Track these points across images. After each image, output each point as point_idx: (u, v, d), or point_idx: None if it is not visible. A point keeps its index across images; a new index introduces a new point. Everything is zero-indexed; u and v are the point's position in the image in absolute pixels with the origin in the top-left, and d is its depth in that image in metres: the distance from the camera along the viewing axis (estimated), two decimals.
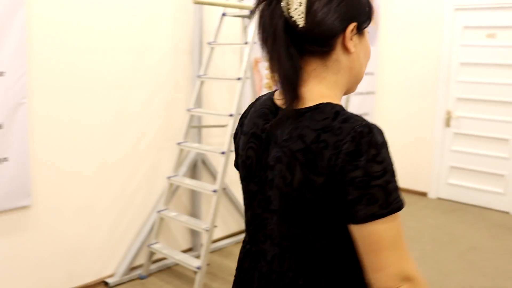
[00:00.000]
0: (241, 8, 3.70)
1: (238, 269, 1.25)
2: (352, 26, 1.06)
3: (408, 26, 5.88)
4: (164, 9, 3.70)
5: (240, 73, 3.52)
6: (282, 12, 1.02)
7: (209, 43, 3.77)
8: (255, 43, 3.98)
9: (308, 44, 1.05)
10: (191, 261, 3.43)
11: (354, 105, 5.59)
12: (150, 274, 3.72)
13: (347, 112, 1.02)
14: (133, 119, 3.60)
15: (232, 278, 2.02)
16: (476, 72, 5.46)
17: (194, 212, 4.07)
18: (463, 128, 5.62)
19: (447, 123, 5.71)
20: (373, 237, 0.97)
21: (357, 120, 0.99)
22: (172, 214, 3.63)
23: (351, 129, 0.97)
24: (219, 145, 4.05)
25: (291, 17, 1.02)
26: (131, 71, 3.55)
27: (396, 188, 0.98)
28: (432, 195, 5.90)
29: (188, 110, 3.69)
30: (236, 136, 1.26)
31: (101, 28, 3.33)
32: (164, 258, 3.81)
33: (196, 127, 3.95)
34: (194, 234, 4.10)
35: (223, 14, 3.81)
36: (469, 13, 5.47)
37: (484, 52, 5.40)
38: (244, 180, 1.19)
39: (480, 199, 5.56)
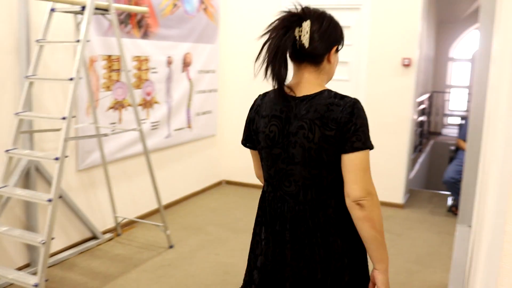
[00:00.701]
0: (72, 3, 3.46)
1: (268, 209, 1.83)
2: (334, 48, 1.76)
3: (247, 25, 6.00)
4: None
5: (73, 73, 3.29)
6: (294, 38, 1.67)
7: (38, 41, 3.47)
8: (88, 41, 3.76)
9: (308, 58, 1.72)
10: (27, 279, 3.13)
11: (197, 102, 5.57)
12: None
13: (339, 93, 1.71)
14: None
15: None
16: None
17: (30, 225, 3.74)
18: None
19: None
20: (356, 161, 1.65)
21: (348, 97, 1.69)
22: (3, 229, 3.29)
23: (347, 102, 1.67)
24: (54, 151, 3.77)
25: (301, 41, 1.67)
26: None
27: (369, 135, 1.69)
28: None
29: (17, 114, 3.37)
30: (253, 121, 1.90)
31: None
32: None
33: (26, 132, 3.62)
34: (31, 248, 3.77)
35: (52, 10, 3.53)
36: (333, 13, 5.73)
37: None
38: (267, 147, 1.80)
39: None
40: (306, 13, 1.71)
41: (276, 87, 1.70)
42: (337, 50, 1.78)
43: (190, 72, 5.43)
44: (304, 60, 1.73)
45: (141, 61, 4.68)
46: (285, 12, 1.70)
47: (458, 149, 5.71)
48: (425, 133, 10.32)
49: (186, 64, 5.34)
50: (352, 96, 1.73)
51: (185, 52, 5.30)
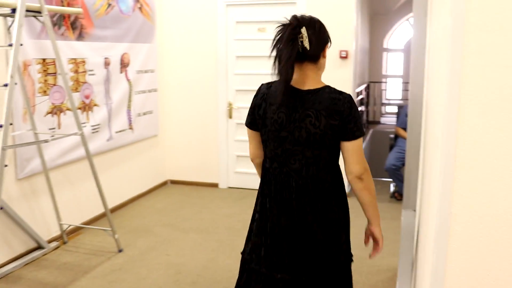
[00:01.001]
0: (1, 5, 3.33)
1: (273, 182, 2.20)
2: (327, 46, 2.16)
3: (184, 23, 5.96)
4: None
5: (7, 78, 3.17)
6: (298, 43, 2.03)
7: None
8: (21, 44, 3.63)
9: (309, 58, 2.09)
10: None
11: (137, 103, 5.49)
12: None
13: (337, 89, 2.11)
14: None
15: None
16: (251, 64, 5.77)
17: None
18: (243, 118, 5.89)
19: (230, 115, 5.94)
20: (356, 146, 2.07)
21: (344, 93, 2.10)
22: None
23: (346, 97, 2.07)
24: None
25: (304, 45, 2.03)
26: None
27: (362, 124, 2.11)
28: (222, 185, 6.11)
29: None
30: (259, 106, 2.20)
31: None
32: None
33: None
34: None
35: None
36: (240, 8, 5.75)
37: (256, 45, 5.73)
38: (275, 131, 2.13)
39: None
40: (300, 21, 2.07)
41: (284, 83, 2.03)
42: (328, 47, 2.20)
43: (129, 72, 5.35)
44: (305, 60, 2.09)
45: (78, 64, 4.56)
46: (282, 25, 2.08)
47: (398, 137, 5.89)
48: (365, 122, 10.58)
49: (124, 65, 5.25)
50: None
51: (123, 53, 5.20)
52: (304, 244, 2.17)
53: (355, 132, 2.06)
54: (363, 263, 3.93)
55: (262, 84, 2.27)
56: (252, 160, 2.39)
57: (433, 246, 1.28)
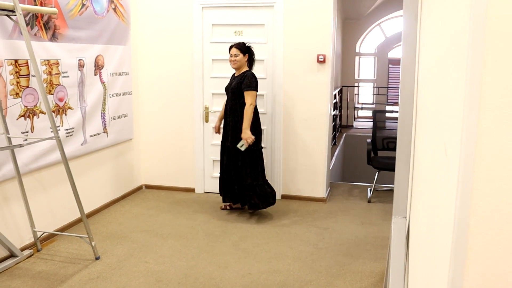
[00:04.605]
0: None
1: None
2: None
3: (159, 25, 5.86)
4: None
5: None
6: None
7: None
8: None
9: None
10: None
11: (111, 106, 5.37)
12: None
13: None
14: None
15: None
16: (227, 68, 5.71)
17: None
18: None
19: (206, 119, 5.87)
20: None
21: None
22: None
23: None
24: None
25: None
26: None
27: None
28: (199, 190, 6.02)
29: None
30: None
31: None
32: None
33: None
34: None
35: None
36: (217, 11, 5.69)
37: None
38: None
39: None
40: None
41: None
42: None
43: (103, 75, 5.22)
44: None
45: (51, 65, 4.43)
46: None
47: None
48: (338, 126, 10.61)
49: (98, 67, 5.12)
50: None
51: (97, 54, 5.08)
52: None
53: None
54: (346, 270, 3.90)
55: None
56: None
57: (450, 260, 1.25)
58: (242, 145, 4.84)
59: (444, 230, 1.38)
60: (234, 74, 5.12)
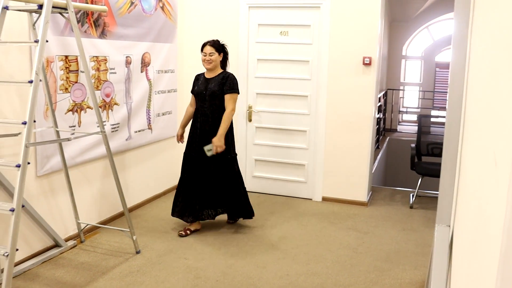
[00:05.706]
0: (28, 1, 3.29)
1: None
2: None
3: (205, 24, 5.91)
4: None
5: (32, 75, 3.13)
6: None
7: None
8: (47, 41, 3.59)
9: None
10: None
11: (156, 103, 5.45)
12: None
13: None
14: None
15: None
16: (272, 68, 5.71)
17: None
18: (263, 122, 5.84)
19: (249, 118, 5.88)
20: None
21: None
22: None
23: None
24: (13, 157, 3.59)
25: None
26: None
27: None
28: None
29: None
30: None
31: None
32: None
33: None
34: None
35: (5, 8, 3.34)
36: (263, 11, 5.69)
37: (278, 48, 5.67)
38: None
39: (285, 189, 5.85)
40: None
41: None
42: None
43: (149, 72, 5.30)
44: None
45: (100, 62, 4.52)
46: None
47: None
48: (382, 130, 10.48)
49: (145, 64, 5.21)
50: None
51: (144, 52, 5.16)
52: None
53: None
54: (385, 276, 3.85)
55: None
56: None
57: (497, 274, 1.21)
58: (209, 150, 4.34)
59: (491, 243, 1.34)
60: (202, 75, 4.60)
